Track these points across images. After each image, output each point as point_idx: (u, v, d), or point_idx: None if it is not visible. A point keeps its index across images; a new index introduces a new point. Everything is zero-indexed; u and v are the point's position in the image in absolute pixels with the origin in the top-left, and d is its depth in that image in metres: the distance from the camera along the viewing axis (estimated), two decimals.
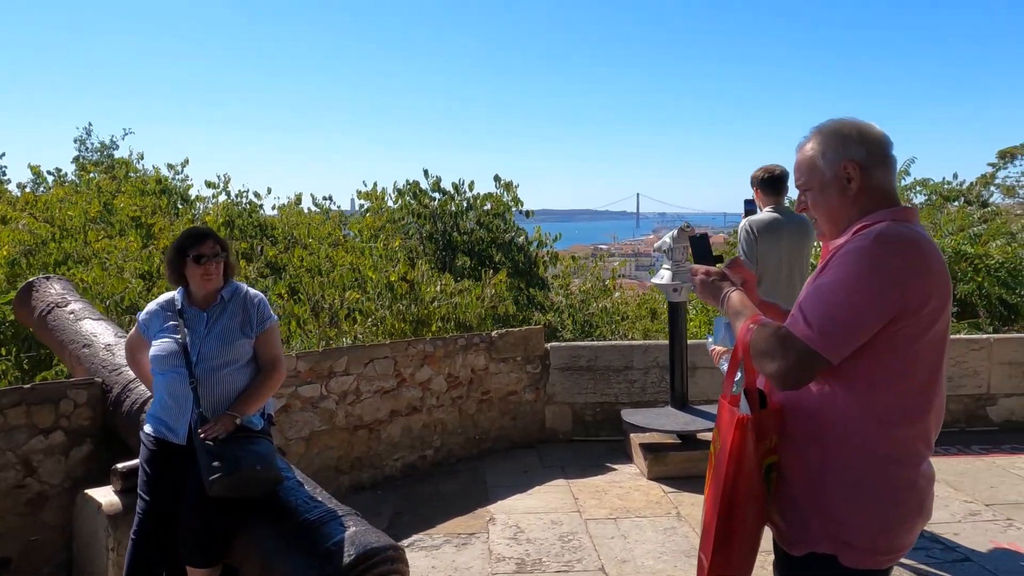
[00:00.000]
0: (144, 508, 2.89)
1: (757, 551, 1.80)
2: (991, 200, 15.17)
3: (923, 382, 1.68)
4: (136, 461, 3.09)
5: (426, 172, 7.59)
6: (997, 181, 17.17)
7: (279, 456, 3.13)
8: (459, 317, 5.99)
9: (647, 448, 5.00)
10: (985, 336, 5.84)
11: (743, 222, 4.24)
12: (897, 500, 1.69)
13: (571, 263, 7.97)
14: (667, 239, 4.99)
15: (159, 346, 2.97)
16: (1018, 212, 17.50)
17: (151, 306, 3.13)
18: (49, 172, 10.50)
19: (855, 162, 1.77)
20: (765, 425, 1.75)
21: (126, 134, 12.38)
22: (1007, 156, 16.18)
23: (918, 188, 10.07)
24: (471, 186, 7.71)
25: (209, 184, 8.30)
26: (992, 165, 16.78)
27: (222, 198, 8.29)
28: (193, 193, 9.39)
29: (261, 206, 8.23)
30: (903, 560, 3.67)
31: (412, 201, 7.54)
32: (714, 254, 2.13)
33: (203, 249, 3.05)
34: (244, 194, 8.27)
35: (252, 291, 3.17)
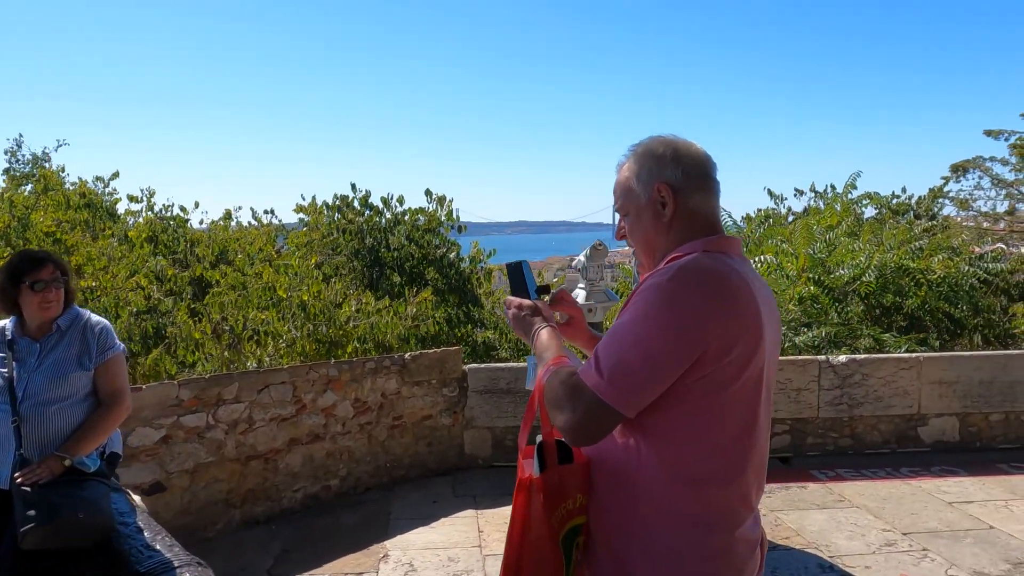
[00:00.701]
0: None
1: None
2: (940, 213, 15.26)
3: (734, 436, 1.47)
4: None
5: (354, 186, 7.37)
6: (951, 194, 17.35)
7: (124, 498, 2.87)
8: (378, 337, 5.75)
9: None
10: (914, 355, 5.72)
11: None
12: (710, 570, 1.48)
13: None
14: (581, 257, 4.80)
15: None
16: (970, 224, 17.69)
17: None
18: None
19: (668, 184, 1.57)
20: (565, 483, 1.53)
21: (60, 145, 11.95)
22: (959, 170, 16.32)
23: (865, 201, 10.00)
24: (401, 200, 7.49)
25: (131, 198, 7.99)
26: (945, 179, 16.93)
27: (149, 212, 7.97)
28: (122, 208, 9.06)
29: (187, 220, 7.93)
30: None
31: (338, 216, 7.29)
32: (542, 284, 1.92)
33: (41, 275, 2.79)
34: (169, 208, 7.97)
35: (95, 318, 2.91)
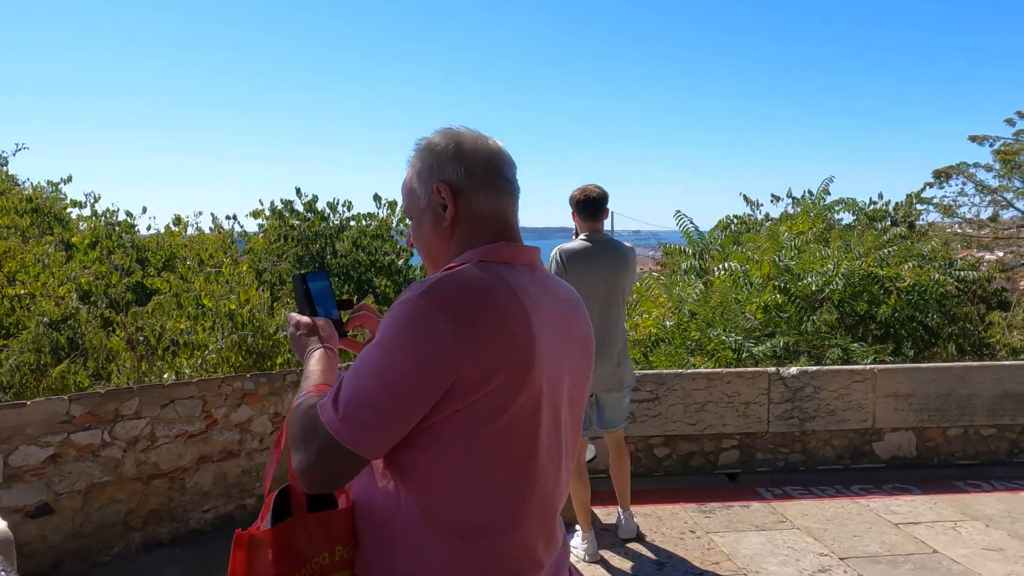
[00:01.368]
0: None
1: None
2: (924, 220, 15.06)
3: (505, 479, 1.24)
4: None
5: (299, 190, 7.14)
6: (935, 200, 17.16)
7: None
8: None
9: None
10: (868, 367, 5.49)
11: (554, 251, 3.87)
12: None
13: None
14: None
15: None
16: (956, 231, 17.50)
17: None
18: None
19: (448, 184, 1.35)
20: (315, 534, 1.30)
21: (18, 150, 11.73)
22: (942, 176, 16.12)
23: (837, 208, 9.78)
24: (348, 205, 7.27)
25: (75, 203, 7.75)
26: (928, 184, 16.74)
27: (94, 218, 7.74)
28: (75, 212, 8.83)
29: (134, 226, 7.70)
30: None
31: (278, 222, 7.07)
32: (345, 298, 1.68)
33: None
34: (114, 213, 7.74)
35: None
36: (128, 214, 7.68)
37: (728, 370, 5.40)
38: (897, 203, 11.78)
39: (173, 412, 4.23)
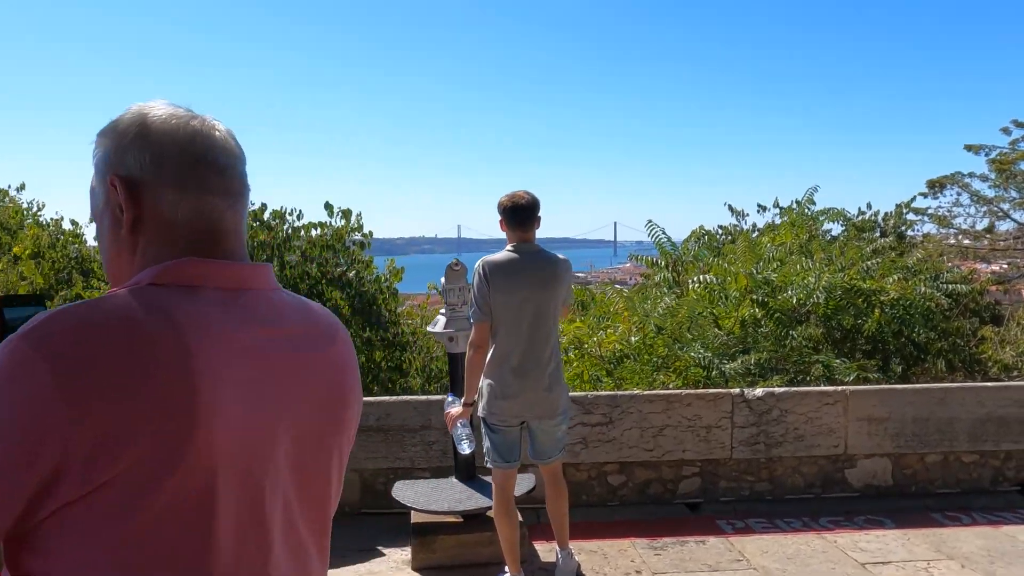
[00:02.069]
0: None
1: None
2: (919, 231, 14.66)
3: None
4: None
5: None
6: (930, 211, 16.79)
7: None
8: None
9: (418, 529, 4.17)
10: (839, 388, 5.10)
11: (477, 263, 3.51)
12: None
13: (413, 308, 7.15)
14: (443, 279, 4.22)
15: None
16: (951, 242, 17.12)
17: None
18: None
19: (125, 177, 0.99)
20: None
21: None
22: (936, 186, 15.76)
23: (821, 218, 9.40)
24: (298, 215, 6.92)
25: (14, 211, 7.41)
26: (923, 194, 16.38)
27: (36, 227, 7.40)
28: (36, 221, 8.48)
29: (80, 235, 7.35)
30: None
31: None
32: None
33: None
34: (58, 222, 7.39)
35: None
36: (73, 223, 7.35)
37: (688, 391, 5.02)
38: (886, 213, 11.40)
39: None
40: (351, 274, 6.63)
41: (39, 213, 7.38)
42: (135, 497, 0.84)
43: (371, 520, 4.76)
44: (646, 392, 5.03)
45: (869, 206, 11.44)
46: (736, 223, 11.68)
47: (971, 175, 15.86)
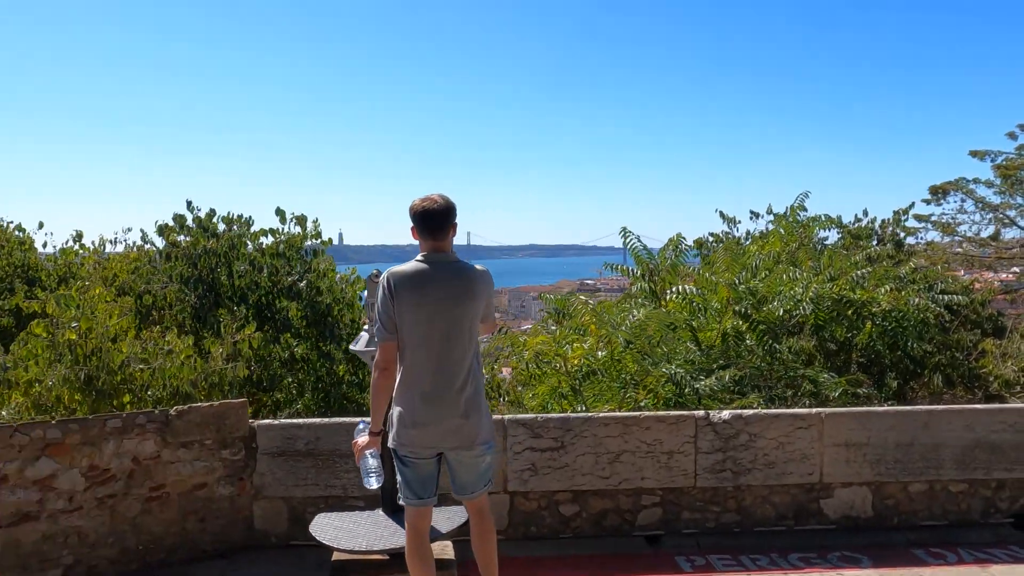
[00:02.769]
0: None
1: None
2: (917, 239, 14.20)
3: None
4: None
5: (189, 204, 6.39)
6: (933, 218, 16.30)
7: None
8: (176, 386, 4.77)
9: (337, 568, 3.78)
10: (814, 411, 4.67)
11: (383, 274, 3.15)
12: None
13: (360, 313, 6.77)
14: (366, 291, 3.84)
15: None
16: (958, 251, 16.60)
17: None
18: None
19: None
20: None
21: None
22: (940, 192, 15.28)
23: (813, 224, 8.95)
24: (248, 223, 6.52)
25: None
26: (926, 200, 15.91)
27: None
28: None
29: (27, 242, 7.00)
30: None
31: (158, 240, 6.36)
32: None
33: None
34: (3, 228, 7.04)
35: None
36: (20, 228, 7.01)
37: (647, 414, 4.61)
38: (883, 220, 10.96)
39: None
40: (302, 284, 6.26)
41: None
42: None
43: (301, 553, 4.37)
44: (601, 414, 4.62)
45: (866, 213, 11.01)
46: (728, 230, 11.28)
47: (976, 181, 15.37)
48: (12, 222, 7.03)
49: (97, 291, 5.09)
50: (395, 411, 3.17)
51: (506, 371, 8.56)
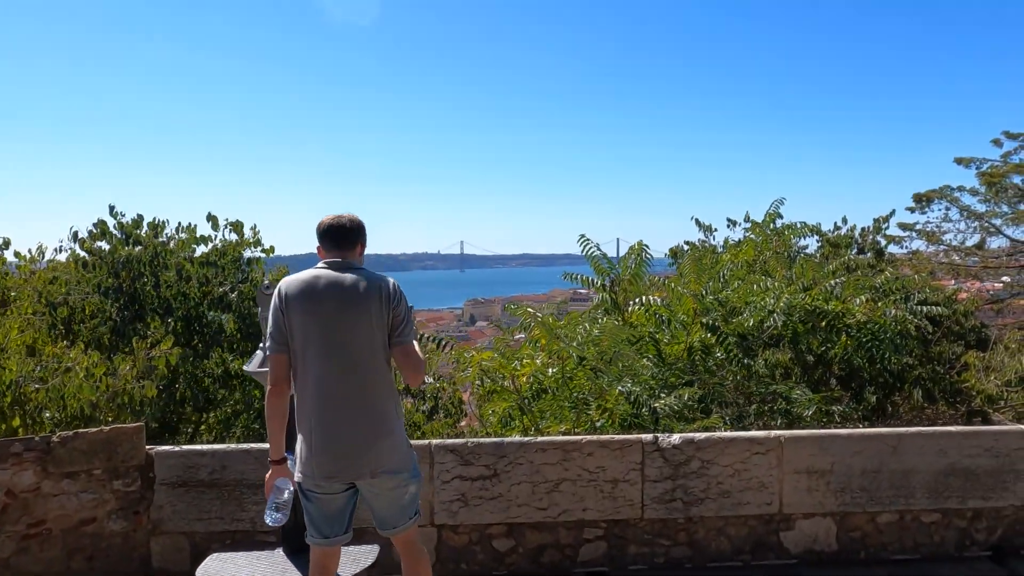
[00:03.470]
0: None
1: None
2: (899, 248, 13.87)
3: None
4: None
5: (112, 209, 5.94)
6: (918, 226, 15.99)
7: None
8: (80, 407, 4.35)
9: None
10: (772, 434, 4.27)
11: (280, 283, 2.82)
12: None
13: None
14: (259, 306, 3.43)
15: None
16: (944, 261, 16.26)
17: None
18: None
19: None
20: None
21: None
22: (924, 200, 14.97)
23: (788, 232, 8.57)
24: (179, 228, 6.10)
25: None
26: (910, 209, 15.59)
27: None
28: None
29: None
30: None
31: (77, 248, 5.91)
32: None
33: None
34: None
35: None
36: None
37: (589, 438, 4.20)
38: (863, 228, 10.60)
39: None
40: (233, 295, 5.83)
41: None
42: None
43: None
44: (538, 439, 4.20)
45: (845, 220, 10.63)
46: (704, 238, 10.89)
47: (960, 189, 15.07)
48: None
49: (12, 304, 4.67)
50: (299, 438, 2.81)
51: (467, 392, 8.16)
